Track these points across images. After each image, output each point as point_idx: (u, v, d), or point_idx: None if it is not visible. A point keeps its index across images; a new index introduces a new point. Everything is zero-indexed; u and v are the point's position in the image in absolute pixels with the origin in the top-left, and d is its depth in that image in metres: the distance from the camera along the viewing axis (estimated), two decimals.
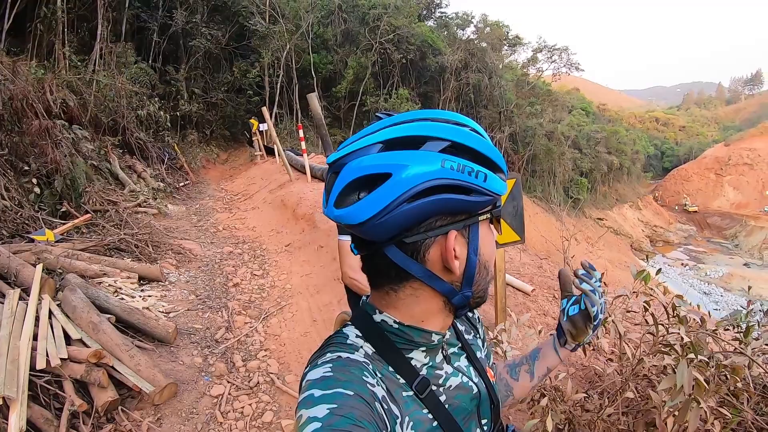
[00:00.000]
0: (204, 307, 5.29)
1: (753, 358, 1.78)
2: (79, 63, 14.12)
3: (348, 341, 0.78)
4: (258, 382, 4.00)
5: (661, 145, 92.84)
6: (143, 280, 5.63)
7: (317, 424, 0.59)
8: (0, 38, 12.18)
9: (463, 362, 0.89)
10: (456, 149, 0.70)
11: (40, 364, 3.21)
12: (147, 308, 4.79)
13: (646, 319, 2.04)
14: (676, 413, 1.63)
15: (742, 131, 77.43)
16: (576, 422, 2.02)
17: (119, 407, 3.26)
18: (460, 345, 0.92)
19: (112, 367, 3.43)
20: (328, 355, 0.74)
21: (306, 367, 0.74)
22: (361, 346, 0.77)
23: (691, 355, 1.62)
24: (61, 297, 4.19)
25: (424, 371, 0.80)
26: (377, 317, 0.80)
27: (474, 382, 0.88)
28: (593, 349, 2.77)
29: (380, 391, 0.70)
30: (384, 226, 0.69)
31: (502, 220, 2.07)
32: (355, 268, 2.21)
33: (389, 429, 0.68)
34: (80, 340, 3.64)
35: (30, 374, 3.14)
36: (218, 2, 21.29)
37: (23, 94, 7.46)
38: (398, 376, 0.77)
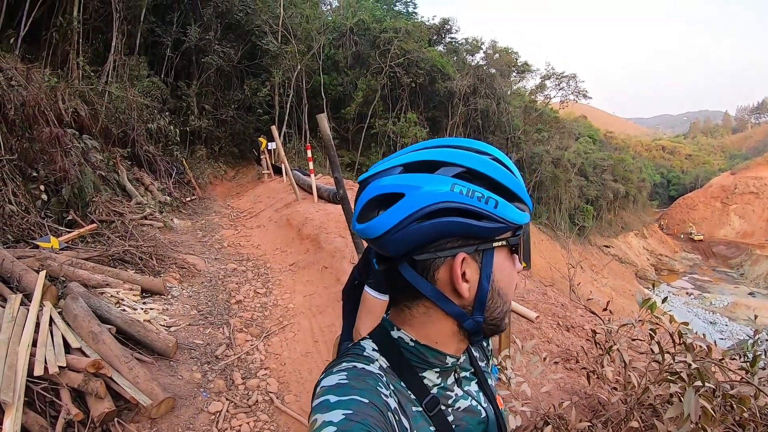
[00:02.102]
0: (205, 322, 5.26)
1: (760, 387, 1.75)
2: (92, 73, 14.26)
3: (364, 353, 0.80)
4: (257, 401, 3.96)
5: (667, 173, 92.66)
6: (146, 292, 5.62)
7: (332, 429, 0.60)
8: (15, 45, 12.32)
9: (473, 387, 0.91)
10: (470, 175, 0.73)
11: (38, 371, 3.19)
12: (148, 321, 4.77)
13: (651, 348, 2.01)
14: None
15: (749, 160, 77.31)
16: None
17: (115, 419, 3.23)
18: (472, 370, 0.93)
19: (111, 378, 3.40)
20: (344, 364, 0.75)
21: (321, 375, 0.75)
22: (377, 359, 0.79)
23: (698, 383, 1.59)
24: (62, 305, 4.17)
25: (434, 391, 0.81)
26: (394, 333, 0.82)
27: (483, 407, 0.89)
28: (597, 378, 2.73)
29: (393, 403, 0.72)
30: (397, 241, 0.73)
31: None
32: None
33: None
34: (79, 349, 3.62)
35: (27, 380, 3.11)
36: (232, 21, 21.54)
37: (36, 101, 7.55)
38: (409, 392, 0.78)
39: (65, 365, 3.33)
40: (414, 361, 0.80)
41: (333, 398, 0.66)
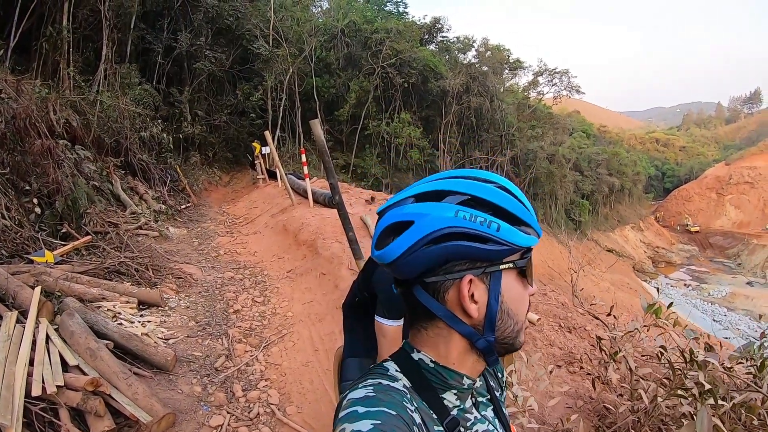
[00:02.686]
0: (204, 333, 5.21)
1: (767, 394, 1.72)
2: (83, 83, 14.20)
3: (388, 373, 0.84)
4: (258, 413, 3.91)
5: (661, 165, 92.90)
6: (143, 304, 5.56)
7: None
8: (5, 56, 12.22)
9: (489, 413, 0.93)
10: (474, 202, 0.78)
11: (36, 391, 3.14)
12: (146, 334, 4.72)
13: (658, 356, 1.98)
14: None
15: (743, 150, 77.55)
16: None
17: None
18: (489, 397, 0.96)
19: (110, 395, 3.35)
20: (370, 380, 0.79)
21: (346, 392, 0.77)
22: (400, 379, 0.82)
23: (711, 401, 1.56)
24: (59, 321, 4.12)
25: (454, 412, 0.84)
26: (415, 355, 0.86)
27: None
28: (603, 383, 2.70)
29: (417, 418, 0.75)
30: (409, 265, 0.79)
31: None
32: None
33: None
34: (77, 367, 3.57)
35: (25, 401, 3.07)
36: (222, 26, 21.49)
37: (26, 113, 7.47)
38: (431, 411, 0.81)
39: (63, 384, 3.28)
40: (434, 382, 0.83)
41: (361, 409, 0.69)
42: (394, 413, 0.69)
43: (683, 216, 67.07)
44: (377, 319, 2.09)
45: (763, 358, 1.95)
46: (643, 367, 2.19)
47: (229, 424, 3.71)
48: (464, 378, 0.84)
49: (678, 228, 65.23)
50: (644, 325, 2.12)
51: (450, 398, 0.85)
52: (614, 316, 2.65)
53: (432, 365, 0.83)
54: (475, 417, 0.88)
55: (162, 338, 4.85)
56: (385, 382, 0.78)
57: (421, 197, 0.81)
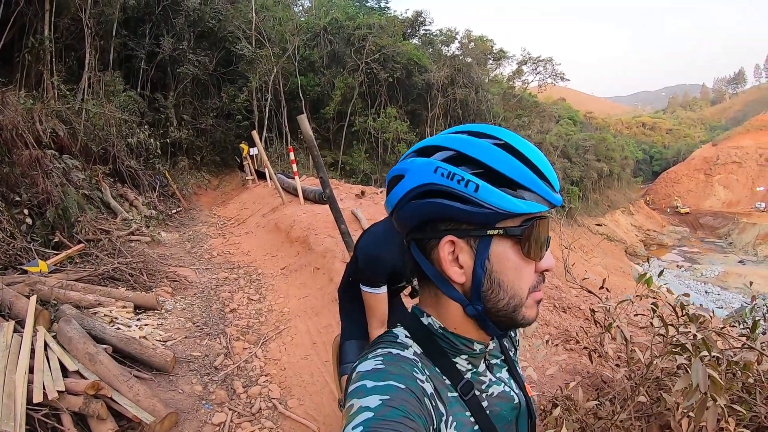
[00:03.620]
0: (201, 334, 5.21)
1: (762, 351, 1.76)
2: (67, 92, 14.12)
3: (398, 340, 0.82)
4: (260, 408, 3.92)
5: (649, 149, 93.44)
6: (139, 308, 5.56)
7: (369, 414, 0.62)
8: None
9: (504, 374, 0.91)
10: (460, 159, 0.74)
11: (37, 398, 3.14)
12: (144, 337, 4.72)
13: (651, 322, 2.01)
14: (691, 414, 1.60)
15: (729, 130, 78.30)
16: (590, 430, 1.98)
17: None
18: (503, 358, 0.94)
19: (111, 398, 3.35)
20: (379, 350, 0.78)
21: (356, 362, 0.77)
22: (410, 346, 0.80)
23: (705, 353, 1.59)
24: (56, 328, 4.11)
25: (468, 376, 0.82)
26: (425, 320, 0.83)
27: (515, 393, 0.90)
28: (599, 356, 2.74)
29: (429, 388, 0.73)
30: (401, 219, 0.79)
31: None
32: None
33: (435, 425, 0.71)
34: (77, 372, 3.57)
35: (27, 408, 3.07)
36: (204, 29, 21.39)
37: (12, 125, 7.44)
38: (444, 377, 0.79)
39: (64, 389, 3.28)
40: (445, 346, 0.81)
41: (370, 383, 0.67)
42: (403, 386, 0.67)
43: (673, 198, 67.59)
44: (362, 287, 2.11)
45: (754, 319, 2.00)
46: (638, 336, 2.23)
47: (231, 421, 3.72)
48: (474, 343, 0.81)
49: (668, 210, 65.71)
50: (636, 295, 2.15)
51: (461, 363, 0.82)
52: (606, 289, 2.68)
53: (441, 330, 0.81)
54: (490, 379, 0.86)
55: (160, 341, 4.85)
56: (395, 351, 0.77)
57: (419, 151, 0.79)
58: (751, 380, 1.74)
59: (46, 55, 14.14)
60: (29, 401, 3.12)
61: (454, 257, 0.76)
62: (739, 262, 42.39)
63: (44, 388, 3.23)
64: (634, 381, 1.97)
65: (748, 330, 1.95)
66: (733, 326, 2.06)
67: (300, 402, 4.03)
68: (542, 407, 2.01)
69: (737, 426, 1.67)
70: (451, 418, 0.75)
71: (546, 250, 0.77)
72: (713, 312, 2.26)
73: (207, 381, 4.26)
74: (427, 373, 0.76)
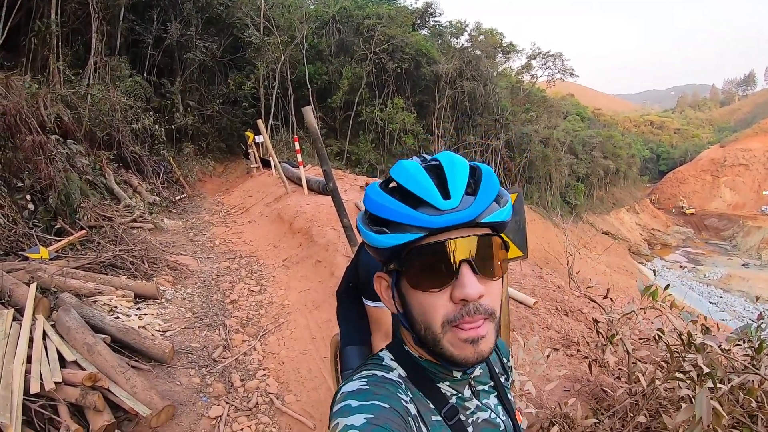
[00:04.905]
0: (201, 325, 5.21)
1: (766, 377, 1.72)
2: (73, 77, 14.12)
3: (383, 363, 0.83)
4: (257, 403, 3.92)
5: (656, 148, 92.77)
6: (139, 297, 5.56)
7: None
8: None
9: (492, 400, 0.89)
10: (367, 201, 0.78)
11: (34, 388, 3.14)
12: (143, 327, 4.72)
13: (656, 339, 1.98)
14: None
15: (737, 132, 77.59)
16: None
17: (116, 431, 3.18)
18: (492, 384, 0.92)
19: (108, 389, 3.35)
20: (364, 372, 0.78)
21: (340, 384, 0.76)
22: (395, 368, 0.81)
23: (709, 384, 1.56)
24: (55, 317, 4.11)
25: (453, 400, 0.81)
26: (406, 347, 0.84)
27: (501, 420, 0.87)
28: (600, 366, 2.70)
29: (413, 409, 0.73)
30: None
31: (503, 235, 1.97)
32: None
33: None
34: (75, 362, 3.56)
35: (24, 398, 3.06)
36: (212, 15, 21.31)
37: (17, 109, 7.41)
38: (428, 401, 0.78)
39: (61, 380, 3.27)
40: (429, 372, 0.81)
41: (354, 403, 0.67)
42: (387, 406, 0.67)
43: (678, 198, 67.22)
44: (365, 302, 2.09)
45: (760, 339, 1.95)
46: (641, 349, 2.20)
47: (228, 414, 3.72)
48: (453, 371, 0.80)
49: (673, 210, 65.38)
50: (641, 308, 2.11)
51: (445, 388, 0.81)
52: (611, 299, 2.65)
53: (421, 359, 0.81)
54: (477, 405, 0.84)
55: (159, 331, 4.85)
56: (380, 374, 0.77)
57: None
58: (753, 405, 1.71)
59: (52, 40, 14.12)
60: (26, 392, 3.12)
61: (388, 290, 0.79)
62: (743, 265, 42.18)
63: (41, 379, 3.22)
64: (635, 399, 1.94)
65: (752, 350, 1.91)
66: (738, 344, 2.01)
67: (297, 398, 4.02)
68: (540, 425, 1.98)
69: None
70: None
71: (454, 276, 0.71)
72: (718, 326, 2.22)
73: (205, 373, 4.26)
74: (411, 396, 0.76)
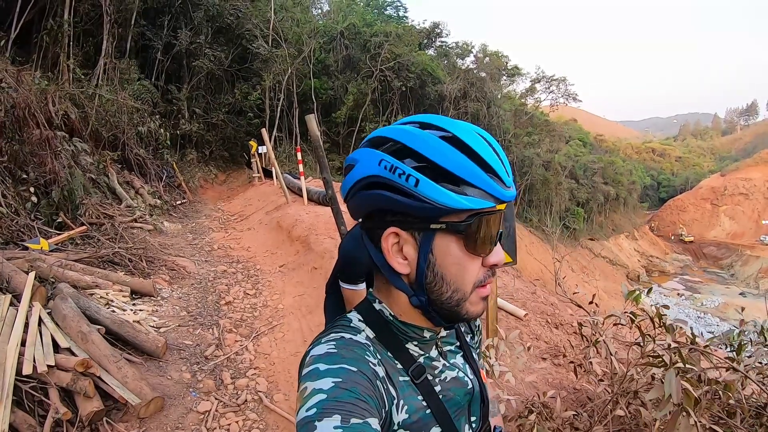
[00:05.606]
0: (195, 323, 5.24)
1: (746, 373, 1.76)
2: (82, 76, 14.30)
3: (351, 324, 0.82)
4: (246, 400, 3.94)
5: (657, 175, 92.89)
6: (135, 294, 5.60)
7: (322, 396, 0.63)
8: (6, 47, 12.25)
9: (459, 360, 0.92)
10: (404, 152, 0.73)
11: (27, 370, 3.18)
12: (138, 322, 4.75)
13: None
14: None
15: (738, 161, 77.77)
16: None
17: (104, 418, 3.21)
18: (458, 344, 0.94)
19: (99, 377, 3.39)
20: (332, 334, 0.77)
21: (309, 346, 0.77)
22: (363, 330, 0.81)
23: (679, 365, 1.60)
24: (51, 305, 4.16)
25: (420, 360, 0.83)
26: (377, 305, 0.84)
27: (469, 378, 0.90)
28: (585, 372, 2.74)
29: (381, 371, 0.74)
30: (351, 206, 0.82)
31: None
32: None
33: (387, 408, 0.72)
34: (68, 349, 3.60)
35: (16, 379, 3.10)
36: (222, 24, 21.59)
37: (26, 104, 7.52)
38: (396, 362, 0.80)
39: (54, 364, 3.32)
40: (396, 332, 0.82)
41: (323, 366, 0.68)
42: (355, 369, 0.68)
43: (678, 226, 67.18)
44: (340, 282, 2.14)
45: (741, 342, 2.00)
46: (623, 351, 2.24)
47: (216, 410, 3.74)
48: (425, 331, 0.82)
49: (672, 238, 65.32)
50: (624, 312, 2.16)
51: (413, 348, 0.83)
52: (596, 304, 2.69)
53: (391, 317, 0.82)
54: (444, 365, 0.86)
55: (153, 326, 4.88)
56: (348, 336, 0.77)
57: (371, 141, 0.79)
58: (732, 402, 1.75)
59: (63, 38, 14.32)
60: (18, 372, 3.16)
61: (398, 248, 0.77)
62: (740, 294, 41.98)
63: (35, 362, 3.26)
64: (613, 393, 1.98)
65: (734, 353, 1.95)
66: (720, 348, 2.06)
67: (286, 397, 4.04)
68: (518, 413, 2.02)
69: None
70: (402, 402, 0.76)
71: (495, 245, 0.78)
72: (701, 334, 2.27)
73: (196, 369, 4.29)
74: (379, 357, 0.77)
